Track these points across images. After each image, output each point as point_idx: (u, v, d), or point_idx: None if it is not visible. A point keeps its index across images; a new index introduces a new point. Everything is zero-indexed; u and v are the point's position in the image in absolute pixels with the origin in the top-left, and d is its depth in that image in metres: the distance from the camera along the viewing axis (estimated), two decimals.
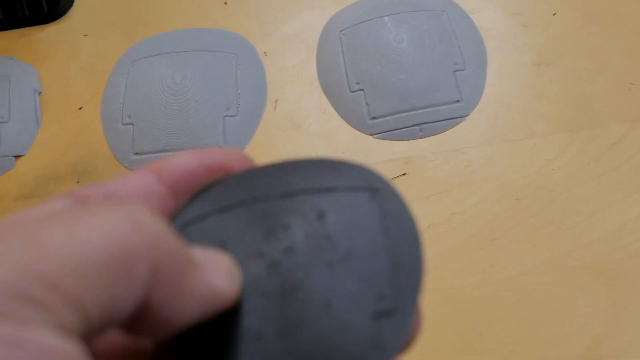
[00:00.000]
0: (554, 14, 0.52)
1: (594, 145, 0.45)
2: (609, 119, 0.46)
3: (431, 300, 0.40)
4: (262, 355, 0.15)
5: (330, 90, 0.50)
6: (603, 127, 0.46)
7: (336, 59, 0.51)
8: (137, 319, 0.14)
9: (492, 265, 0.41)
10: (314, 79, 0.50)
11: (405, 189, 0.44)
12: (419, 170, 0.45)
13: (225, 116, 0.49)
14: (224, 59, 0.51)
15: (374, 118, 0.47)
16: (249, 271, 0.16)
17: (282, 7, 0.55)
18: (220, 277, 0.16)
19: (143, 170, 0.17)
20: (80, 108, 0.51)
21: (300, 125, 0.48)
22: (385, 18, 0.51)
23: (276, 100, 0.50)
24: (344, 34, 0.52)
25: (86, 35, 0.55)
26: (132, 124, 0.49)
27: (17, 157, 0.49)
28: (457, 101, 0.48)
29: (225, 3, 0.56)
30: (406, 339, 0.16)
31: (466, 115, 0.47)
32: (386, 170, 0.45)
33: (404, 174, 0.45)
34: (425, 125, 0.47)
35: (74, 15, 0.57)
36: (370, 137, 0.47)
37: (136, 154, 0.48)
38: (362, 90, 0.48)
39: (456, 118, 0.47)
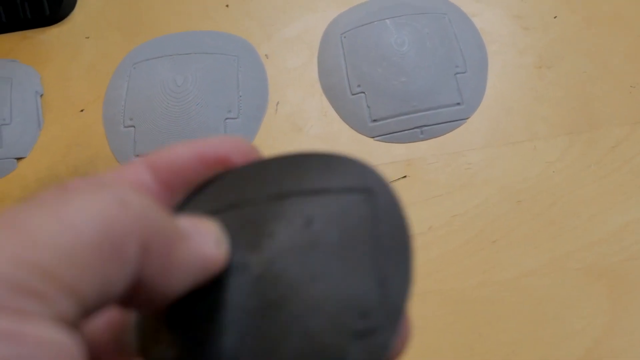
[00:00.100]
0: (555, 17, 0.52)
1: (595, 147, 0.45)
2: (610, 121, 0.46)
3: (432, 301, 0.40)
4: None
5: (331, 92, 0.50)
6: (604, 129, 0.46)
7: (337, 61, 0.51)
8: (131, 293, 0.14)
9: (493, 266, 0.41)
10: (315, 82, 0.51)
11: (407, 191, 0.44)
12: (420, 173, 0.45)
13: (227, 118, 0.49)
14: (226, 61, 0.51)
15: (375, 120, 0.48)
16: (231, 285, 0.16)
17: (284, 10, 0.55)
18: (208, 244, 0.16)
19: (138, 164, 0.17)
20: (82, 110, 0.51)
21: (301, 127, 0.48)
22: (387, 21, 0.51)
23: (277, 103, 0.50)
24: (345, 37, 0.52)
25: (88, 37, 0.55)
26: (134, 126, 0.49)
27: (18, 159, 0.49)
28: (458, 104, 0.48)
29: (227, 5, 0.56)
30: (387, 358, 0.15)
31: (467, 118, 0.47)
32: (387, 173, 0.45)
33: (405, 177, 0.45)
34: (426, 127, 0.47)
35: (76, 17, 0.57)
36: (371, 139, 0.47)
37: (137, 156, 0.48)
38: (363, 92, 0.49)
39: (457, 120, 0.47)
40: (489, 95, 0.48)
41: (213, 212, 0.17)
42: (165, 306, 0.15)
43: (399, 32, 0.50)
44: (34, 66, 0.54)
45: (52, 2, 0.55)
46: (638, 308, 0.38)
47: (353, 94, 0.49)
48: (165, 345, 0.16)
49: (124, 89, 0.51)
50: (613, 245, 0.41)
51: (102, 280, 0.13)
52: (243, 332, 0.15)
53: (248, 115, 0.49)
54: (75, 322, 0.13)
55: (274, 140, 0.48)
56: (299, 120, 0.49)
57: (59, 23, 0.57)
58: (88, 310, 0.13)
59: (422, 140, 0.47)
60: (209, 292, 0.16)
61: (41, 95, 0.52)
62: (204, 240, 0.16)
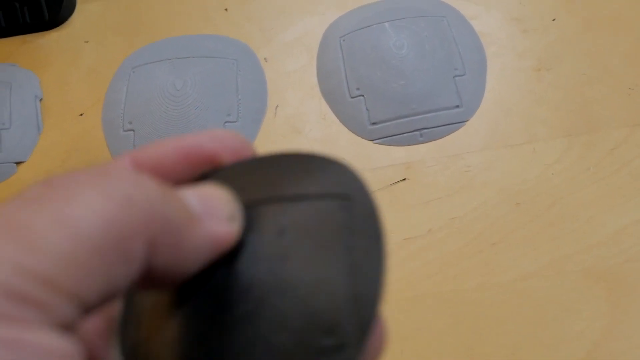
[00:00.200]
0: (554, 19, 0.52)
1: (594, 149, 0.45)
2: (609, 123, 0.46)
3: (431, 303, 0.40)
4: None
5: (330, 95, 0.50)
6: (603, 131, 0.46)
7: (336, 64, 0.51)
8: (141, 279, 0.14)
9: (492, 269, 0.41)
10: (314, 85, 0.51)
11: (406, 194, 0.44)
12: (419, 176, 0.45)
13: (226, 122, 0.49)
14: (225, 65, 0.52)
15: (374, 123, 0.48)
16: (200, 297, 0.16)
17: (283, 13, 0.55)
18: (220, 223, 0.15)
19: (123, 160, 0.17)
20: (81, 114, 0.51)
21: (300, 130, 0.48)
22: (386, 24, 0.51)
23: (276, 106, 0.50)
24: (344, 40, 0.52)
25: (87, 41, 0.56)
26: (133, 130, 0.49)
27: (18, 163, 0.49)
28: (457, 106, 0.48)
29: (226, 9, 0.56)
30: None
31: (466, 121, 0.47)
32: (386, 176, 0.45)
33: (404, 179, 0.45)
34: (425, 130, 0.47)
35: (75, 21, 0.57)
36: (371, 142, 0.47)
37: None
38: (363, 95, 0.49)
39: (456, 123, 0.47)
40: (488, 98, 0.48)
41: None
42: (177, 285, 0.15)
43: (398, 35, 0.50)
44: (34, 70, 0.54)
45: (52, 6, 0.56)
46: (637, 310, 0.38)
47: (352, 97, 0.49)
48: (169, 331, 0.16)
49: (123, 93, 0.51)
50: (612, 247, 0.41)
51: (106, 281, 0.13)
52: (211, 348, 0.15)
53: (247, 119, 0.49)
54: (76, 321, 0.13)
55: (274, 143, 0.48)
56: (298, 123, 0.49)
57: (58, 27, 0.57)
58: (91, 307, 0.13)
59: (422, 142, 0.47)
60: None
61: (41, 100, 0.52)
62: (216, 219, 0.15)
